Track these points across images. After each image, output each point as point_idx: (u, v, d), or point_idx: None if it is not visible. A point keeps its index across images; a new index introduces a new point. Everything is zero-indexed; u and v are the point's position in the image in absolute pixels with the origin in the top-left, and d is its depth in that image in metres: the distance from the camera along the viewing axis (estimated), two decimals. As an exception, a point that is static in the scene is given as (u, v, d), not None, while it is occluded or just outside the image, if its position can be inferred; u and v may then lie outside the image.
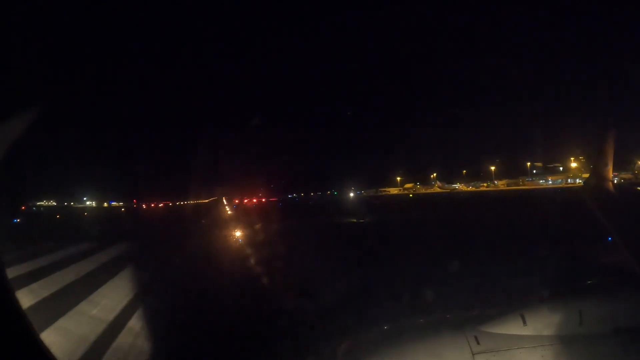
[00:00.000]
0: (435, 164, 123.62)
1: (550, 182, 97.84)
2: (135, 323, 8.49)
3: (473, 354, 3.44)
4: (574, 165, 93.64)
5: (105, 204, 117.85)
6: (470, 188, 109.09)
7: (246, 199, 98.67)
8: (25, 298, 9.51)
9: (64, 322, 8.42)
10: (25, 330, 2.18)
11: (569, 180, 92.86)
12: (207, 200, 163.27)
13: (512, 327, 3.65)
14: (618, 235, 4.56)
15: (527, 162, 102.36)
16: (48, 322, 8.00)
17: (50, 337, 7.32)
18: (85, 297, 10.33)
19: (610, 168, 5.66)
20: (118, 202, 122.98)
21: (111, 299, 10.42)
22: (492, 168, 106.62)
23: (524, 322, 3.64)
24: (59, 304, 9.60)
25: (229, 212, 54.17)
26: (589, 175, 6.78)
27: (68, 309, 9.16)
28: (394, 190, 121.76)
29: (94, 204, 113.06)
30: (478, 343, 3.50)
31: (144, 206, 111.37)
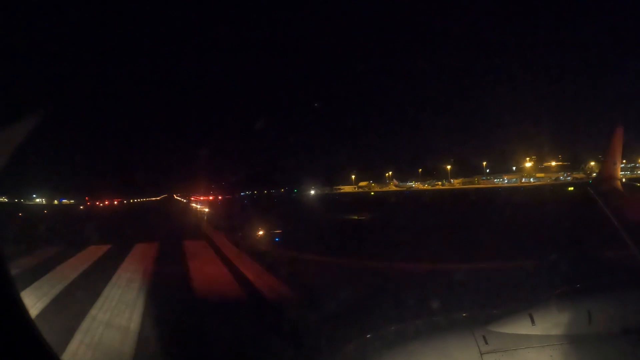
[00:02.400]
0: (390, 162, 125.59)
1: (505, 181, 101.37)
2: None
3: (481, 354, 3.32)
4: (528, 165, 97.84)
5: (56, 202, 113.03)
6: (425, 186, 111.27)
7: (202, 196, 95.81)
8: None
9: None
10: (27, 327, 2.14)
11: (523, 179, 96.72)
12: (158, 198, 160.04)
13: (521, 327, 3.53)
14: (627, 233, 4.53)
15: (482, 161, 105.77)
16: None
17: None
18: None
19: (618, 166, 5.69)
20: (68, 199, 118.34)
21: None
22: (448, 167, 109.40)
23: (533, 322, 3.52)
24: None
25: (205, 210, 50.62)
26: (598, 174, 6.85)
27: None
28: (348, 188, 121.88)
29: (43, 201, 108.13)
30: (486, 343, 3.38)
31: (98, 203, 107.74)
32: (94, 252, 18.12)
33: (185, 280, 11.97)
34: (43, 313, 8.73)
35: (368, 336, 3.87)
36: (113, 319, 8.49)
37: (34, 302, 9.36)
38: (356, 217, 33.81)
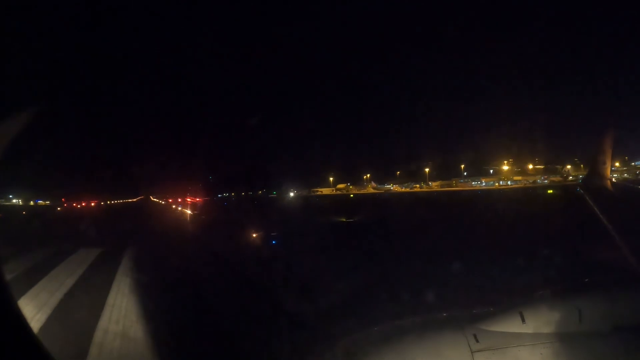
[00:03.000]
0: (367, 164, 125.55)
1: (483, 184, 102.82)
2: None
3: (472, 352, 3.34)
4: (505, 168, 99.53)
5: (32, 202, 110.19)
6: (403, 189, 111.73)
7: (179, 198, 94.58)
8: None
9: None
10: (22, 328, 2.10)
11: (500, 182, 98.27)
12: (135, 200, 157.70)
13: (511, 325, 3.55)
14: (617, 233, 4.59)
15: (460, 164, 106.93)
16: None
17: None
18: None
19: (608, 166, 5.80)
20: (44, 200, 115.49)
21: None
22: (427, 170, 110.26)
23: (523, 320, 3.54)
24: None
25: (190, 213, 49.48)
26: (587, 174, 7.00)
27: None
28: (326, 191, 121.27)
29: (20, 202, 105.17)
30: (477, 341, 3.41)
31: (75, 205, 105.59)
32: (86, 256, 17.24)
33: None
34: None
35: (362, 332, 3.85)
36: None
37: (33, 312, 8.64)
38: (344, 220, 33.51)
